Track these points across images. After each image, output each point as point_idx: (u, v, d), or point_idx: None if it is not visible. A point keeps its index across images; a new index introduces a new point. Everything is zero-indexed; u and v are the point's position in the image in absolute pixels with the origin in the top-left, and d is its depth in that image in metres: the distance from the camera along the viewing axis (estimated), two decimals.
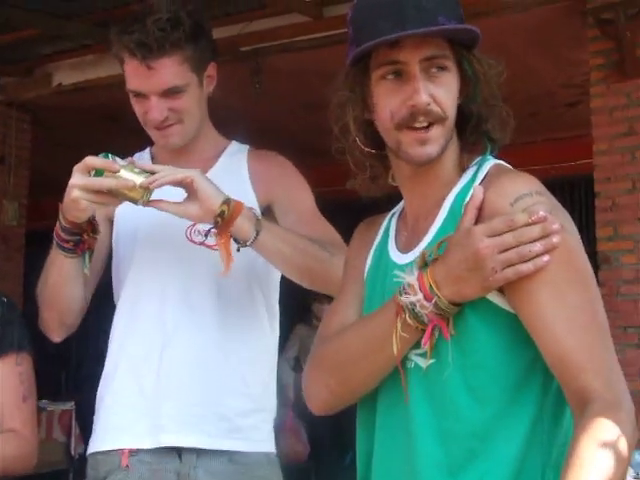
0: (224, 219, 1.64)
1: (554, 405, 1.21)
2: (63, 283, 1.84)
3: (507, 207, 1.19)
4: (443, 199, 1.29)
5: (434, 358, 1.22)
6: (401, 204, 1.43)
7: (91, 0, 4.84)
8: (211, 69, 1.91)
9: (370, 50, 1.24)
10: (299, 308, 5.56)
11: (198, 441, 1.82)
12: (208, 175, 1.85)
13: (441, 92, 1.24)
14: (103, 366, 1.95)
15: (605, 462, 1.06)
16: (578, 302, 1.16)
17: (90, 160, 1.63)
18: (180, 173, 1.66)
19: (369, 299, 1.38)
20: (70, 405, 5.76)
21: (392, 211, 1.44)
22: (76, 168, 1.64)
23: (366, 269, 1.41)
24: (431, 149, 1.25)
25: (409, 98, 1.23)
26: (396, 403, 1.27)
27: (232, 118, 6.20)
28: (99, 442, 1.89)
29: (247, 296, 1.91)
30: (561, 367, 1.15)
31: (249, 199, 1.87)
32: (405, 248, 1.33)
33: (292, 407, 6.10)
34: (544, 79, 5.58)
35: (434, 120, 1.24)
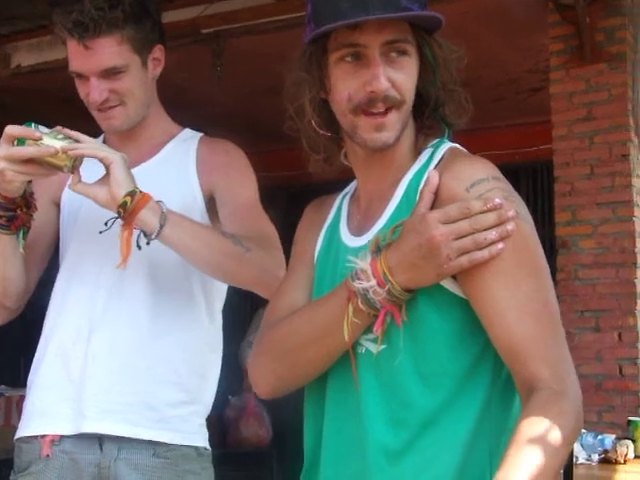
0: (126, 210, 1.61)
1: (504, 392, 1.22)
2: (5, 261, 1.79)
3: (463, 192, 1.19)
4: (398, 182, 1.28)
5: (385, 344, 1.22)
6: (353, 184, 1.41)
7: None
8: (157, 52, 1.89)
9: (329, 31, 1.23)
10: None
11: (120, 429, 1.77)
12: (152, 161, 1.86)
13: (400, 77, 1.23)
14: None
15: (540, 453, 1.07)
16: (530, 290, 1.17)
17: (10, 129, 1.60)
18: (103, 151, 1.63)
19: (319, 281, 1.37)
20: None
21: (344, 191, 1.43)
22: None
23: (316, 250, 1.40)
24: (387, 135, 1.25)
25: (368, 83, 1.21)
26: (346, 388, 1.27)
27: (194, 102, 6.16)
28: (23, 428, 1.86)
29: (183, 284, 1.87)
30: (511, 355, 1.16)
31: (192, 187, 1.87)
32: (358, 231, 1.32)
33: (254, 392, 6.10)
34: (508, 65, 5.60)
35: (392, 105, 1.23)
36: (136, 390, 1.79)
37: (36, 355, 1.91)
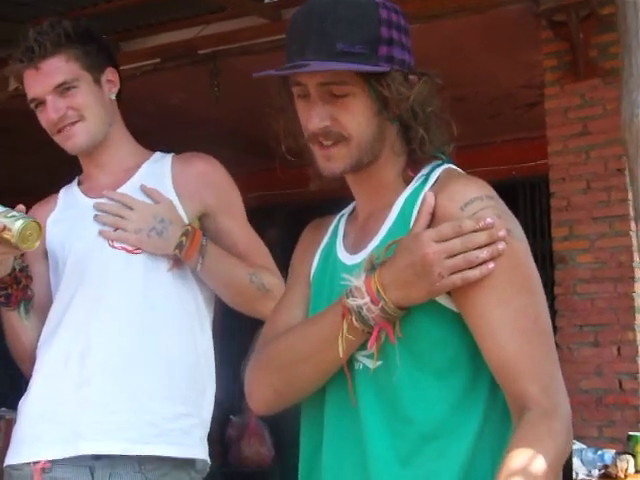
0: (182, 250, 1.84)
1: (504, 405, 1.22)
2: (18, 335, 1.91)
3: (457, 211, 1.21)
4: (393, 203, 1.31)
5: (381, 360, 1.24)
6: (352, 204, 1.44)
7: (45, 4, 4.79)
8: (110, 74, 1.95)
9: None
10: None
11: (119, 448, 1.77)
12: (128, 184, 1.92)
13: (342, 115, 1.26)
14: None
15: (530, 473, 1.08)
16: (522, 307, 1.19)
17: None
18: (130, 237, 1.85)
19: (315, 300, 1.38)
20: None
21: (342, 212, 1.46)
22: None
23: (312, 269, 1.41)
24: (335, 166, 1.29)
25: (308, 121, 1.27)
26: (345, 404, 1.28)
27: (192, 121, 6.19)
28: (13, 454, 1.85)
29: (174, 299, 1.89)
30: (501, 372, 1.18)
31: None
32: (354, 249, 1.34)
33: None
34: (503, 80, 5.64)
35: (334, 140, 1.27)
36: (134, 408, 1.79)
37: (30, 381, 1.91)
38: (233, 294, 1.93)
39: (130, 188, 1.92)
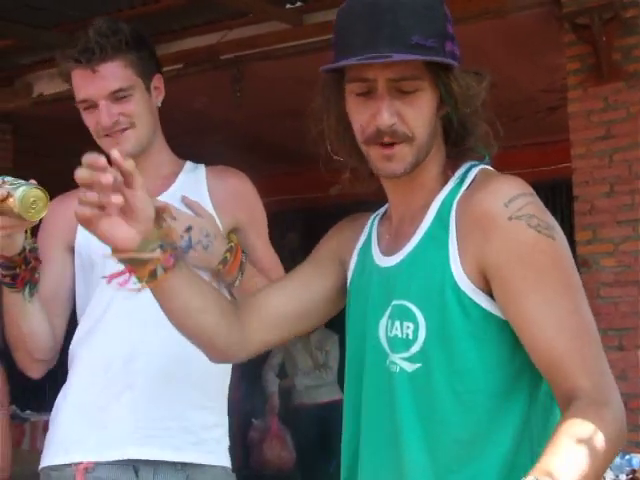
0: (226, 265, 1.84)
1: (543, 410, 1.22)
2: (17, 319, 1.83)
3: (501, 207, 1.18)
4: (429, 204, 1.29)
5: (420, 362, 1.23)
6: (384, 207, 1.43)
7: (68, 10, 4.83)
8: (157, 81, 1.94)
9: None
10: None
11: (160, 454, 1.80)
12: (169, 192, 1.91)
13: (409, 112, 1.23)
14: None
15: (581, 451, 1.06)
16: (568, 306, 1.17)
17: None
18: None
19: (354, 301, 1.38)
20: None
21: (376, 212, 1.45)
22: None
23: (350, 270, 1.41)
24: (396, 166, 1.26)
25: (374, 117, 1.23)
26: (382, 407, 1.27)
27: (214, 126, 6.21)
28: (52, 456, 1.86)
29: None
30: (551, 370, 1.16)
31: None
32: (388, 250, 1.34)
33: (277, 414, 6.10)
34: (525, 84, 5.62)
35: (399, 140, 1.24)
36: (174, 415, 1.82)
37: (66, 383, 1.92)
38: None
39: (169, 197, 1.90)
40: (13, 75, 5.79)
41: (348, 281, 1.41)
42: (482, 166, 1.31)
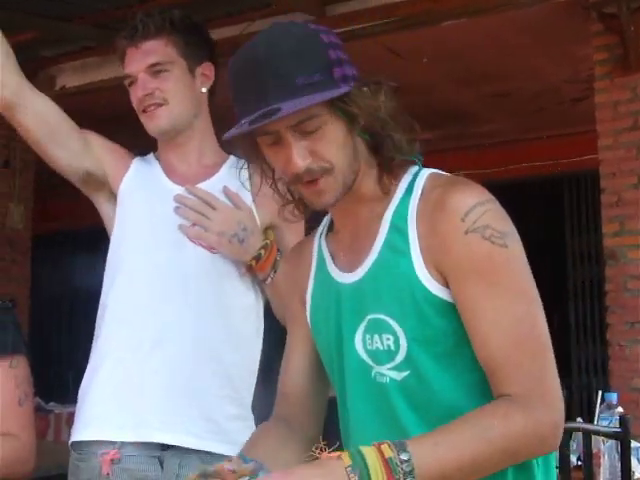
0: (259, 261, 1.86)
1: None
2: None
3: (459, 223, 1.21)
4: (381, 216, 1.30)
5: (408, 370, 1.25)
6: (324, 222, 1.44)
7: (91, 2, 4.84)
8: (206, 68, 1.98)
9: None
10: None
11: (183, 440, 1.81)
12: (210, 182, 1.93)
13: (320, 147, 1.23)
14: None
15: (462, 437, 1.12)
16: (514, 314, 1.19)
17: None
18: (208, 238, 1.86)
19: (317, 323, 1.39)
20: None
21: (318, 231, 1.45)
22: None
23: (308, 295, 1.42)
24: (327, 198, 1.26)
25: (288, 164, 1.24)
26: (377, 416, 1.29)
27: (235, 119, 6.21)
28: (81, 431, 1.87)
29: (241, 304, 1.93)
30: (488, 372, 1.20)
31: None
32: (348, 267, 1.34)
33: None
34: (549, 75, 5.56)
35: (319, 175, 1.24)
36: (197, 404, 1.83)
37: (91, 364, 1.93)
38: None
39: (210, 187, 1.94)
40: (36, 67, 5.81)
41: (307, 306, 1.42)
42: (426, 171, 1.32)
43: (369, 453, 1.11)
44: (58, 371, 7.79)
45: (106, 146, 2.01)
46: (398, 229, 1.27)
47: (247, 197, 1.93)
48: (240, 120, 1.23)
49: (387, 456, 1.10)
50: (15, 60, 1.90)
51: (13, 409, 1.91)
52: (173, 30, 1.93)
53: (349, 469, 1.09)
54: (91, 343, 1.95)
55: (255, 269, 1.88)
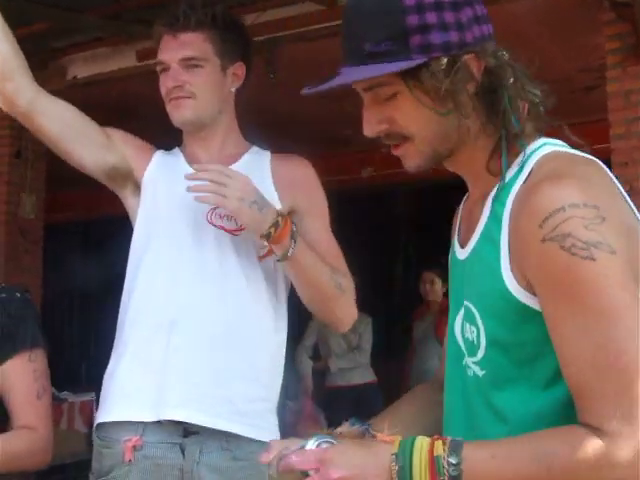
0: (270, 239, 1.82)
1: None
2: None
3: (536, 229, 1.08)
4: (487, 196, 1.22)
5: (485, 369, 1.19)
6: None
7: None
8: (238, 68, 2.01)
9: None
10: None
11: (199, 418, 1.83)
12: (233, 166, 1.94)
13: (397, 115, 1.18)
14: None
15: (525, 456, 1.04)
16: (597, 340, 1.05)
17: None
18: (224, 200, 1.81)
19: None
20: (90, 396, 5.80)
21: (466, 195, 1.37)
22: None
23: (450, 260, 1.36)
24: (410, 163, 1.22)
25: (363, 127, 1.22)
26: (459, 404, 1.26)
27: (247, 109, 6.21)
28: (107, 412, 1.90)
29: (263, 285, 1.94)
30: (574, 396, 1.09)
31: (272, 201, 1.92)
32: (462, 241, 1.28)
33: (311, 396, 6.12)
34: (561, 64, 5.53)
35: (397, 141, 1.20)
36: (216, 383, 1.85)
37: (118, 348, 1.95)
38: (313, 290, 1.93)
39: None
40: (47, 58, 5.81)
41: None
42: (544, 149, 1.19)
43: (419, 446, 1.06)
44: (71, 361, 7.84)
45: (128, 140, 2.03)
46: (496, 216, 1.17)
47: (269, 184, 1.95)
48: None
49: (436, 454, 1.05)
50: (28, 68, 1.91)
51: (31, 402, 1.93)
52: (213, 26, 1.95)
53: (394, 457, 1.06)
54: (103, 332, 1.96)
55: (275, 241, 1.83)
